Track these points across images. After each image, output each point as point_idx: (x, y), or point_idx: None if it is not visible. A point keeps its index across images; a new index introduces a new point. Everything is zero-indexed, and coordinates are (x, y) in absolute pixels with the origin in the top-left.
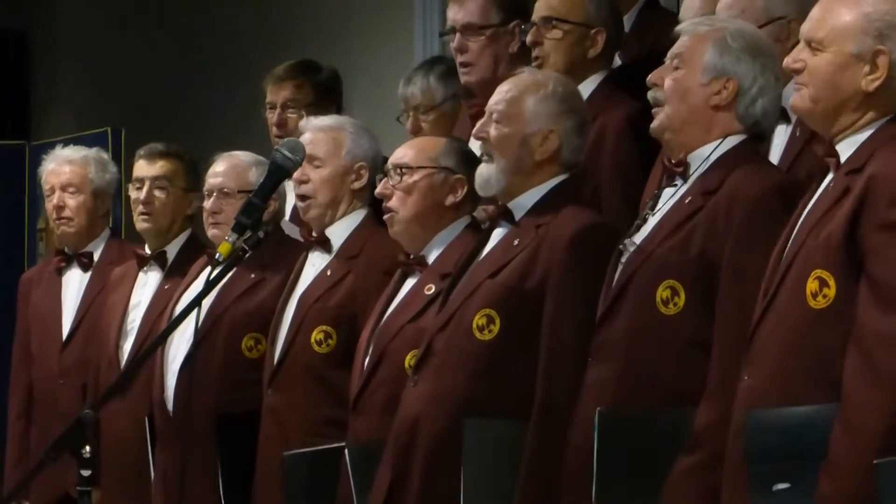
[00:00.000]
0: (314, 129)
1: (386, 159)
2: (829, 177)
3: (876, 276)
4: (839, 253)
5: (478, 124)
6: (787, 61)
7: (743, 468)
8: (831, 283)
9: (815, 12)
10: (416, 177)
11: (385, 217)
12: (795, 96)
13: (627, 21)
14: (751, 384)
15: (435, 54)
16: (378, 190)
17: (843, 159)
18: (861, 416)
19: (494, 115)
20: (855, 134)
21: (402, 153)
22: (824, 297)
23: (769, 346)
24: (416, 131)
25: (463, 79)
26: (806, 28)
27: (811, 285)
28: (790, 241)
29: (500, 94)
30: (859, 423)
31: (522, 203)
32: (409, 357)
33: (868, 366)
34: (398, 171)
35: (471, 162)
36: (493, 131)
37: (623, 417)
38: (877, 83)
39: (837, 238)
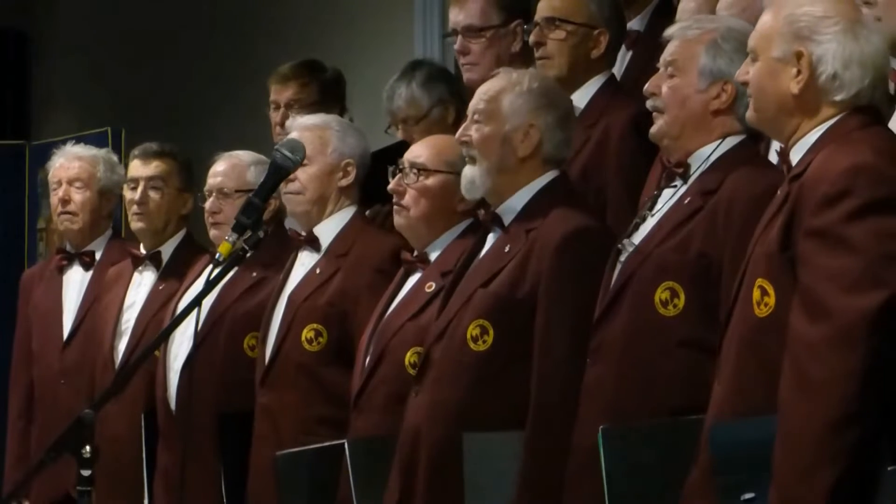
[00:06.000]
0: (300, 128)
1: (383, 154)
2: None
3: (804, 283)
4: (776, 261)
5: (461, 128)
6: (737, 76)
7: (708, 475)
8: (771, 291)
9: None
10: (431, 179)
11: (395, 211)
12: (748, 111)
13: (641, 22)
14: (717, 391)
15: (435, 55)
16: (391, 186)
17: (794, 164)
18: (795, 426)
19: (475, 117)
20: (804, 137)
21: (419, 152)
22: (766, 305)
23: (728, 354)
24: (409, 141)
25: (466, 76)
26: (749, 39)
27: (755, 294)
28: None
29: (479, 95)
30: (794, 433)
31: (512, 206)
32: (409, 354)
33: (797, 375)
34: (414, 171)
35: None
36: (474, 133)
37: (627, 433)
38: (800, 85)
39: (773, 247)
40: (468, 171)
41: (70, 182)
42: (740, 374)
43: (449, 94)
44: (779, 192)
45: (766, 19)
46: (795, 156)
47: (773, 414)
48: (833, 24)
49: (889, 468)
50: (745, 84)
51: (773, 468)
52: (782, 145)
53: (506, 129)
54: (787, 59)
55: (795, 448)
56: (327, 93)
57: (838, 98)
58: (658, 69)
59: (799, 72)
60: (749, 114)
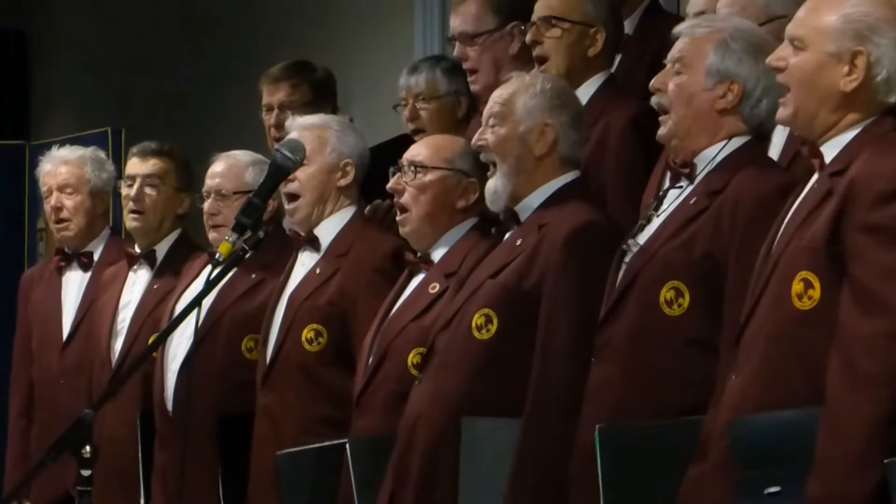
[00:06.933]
0: (299, 129)
1: (382, 150)
2: (814, 178)
3: (857, 277)
4: (823, 255)
5: (476, 134)
6: (771, 59)
7: (726, 469)
8: (816, 284)
9: (800, 11)
10: (430, 177)
11: (398, 218)
12: (780, 109)
13: (630, 24)
14: (736, 384)
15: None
16: (390, 185)
17: (827, 160)
18: (844, 419)
19: (490, 121)
20: (839, 135)
21: (418, 151)
22: (809, 298)
23: (754, 346)
24: (413, 119)
25: (472, 88)
26: (790, 26)
27: (796, 286)
28: (775, 242)
29: (493, 99)
30: (843, 426)
31: (529, 204)
32: (411, 355)
33: (849, 368)
34: (412, 168)
35: (485, 166)
36: (490, 136)
37: (624, 432)
38: (854, 84)
39: (821, 240)
40: (491, 182)
41: (60, 189)
42: (768, 368)
43: (466, 89)
44: (814, 185)
45: (821, 11)
46: (828, 151)
47: (804, 407)
48: (892, 28)
49: (885, 460)
50: (777, 70)
51: (816, 461)
52: (812, 140)
53: (521, 130)
54: (841, 56)
55: (845, 441)
56: (319, 92)
57: (887, 100)
58: (656, 69)
59: (851, 70)
60: (783, 110)
